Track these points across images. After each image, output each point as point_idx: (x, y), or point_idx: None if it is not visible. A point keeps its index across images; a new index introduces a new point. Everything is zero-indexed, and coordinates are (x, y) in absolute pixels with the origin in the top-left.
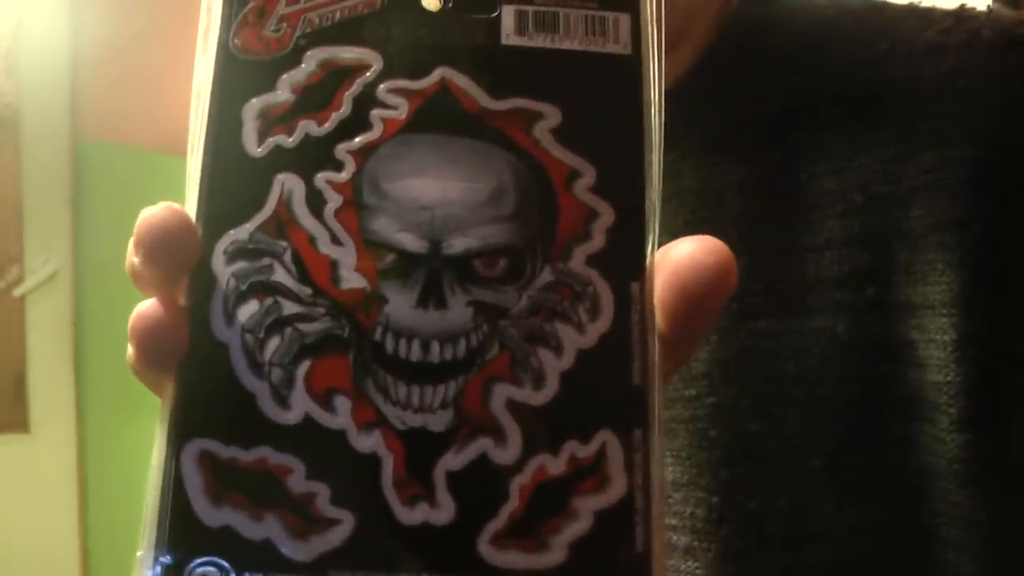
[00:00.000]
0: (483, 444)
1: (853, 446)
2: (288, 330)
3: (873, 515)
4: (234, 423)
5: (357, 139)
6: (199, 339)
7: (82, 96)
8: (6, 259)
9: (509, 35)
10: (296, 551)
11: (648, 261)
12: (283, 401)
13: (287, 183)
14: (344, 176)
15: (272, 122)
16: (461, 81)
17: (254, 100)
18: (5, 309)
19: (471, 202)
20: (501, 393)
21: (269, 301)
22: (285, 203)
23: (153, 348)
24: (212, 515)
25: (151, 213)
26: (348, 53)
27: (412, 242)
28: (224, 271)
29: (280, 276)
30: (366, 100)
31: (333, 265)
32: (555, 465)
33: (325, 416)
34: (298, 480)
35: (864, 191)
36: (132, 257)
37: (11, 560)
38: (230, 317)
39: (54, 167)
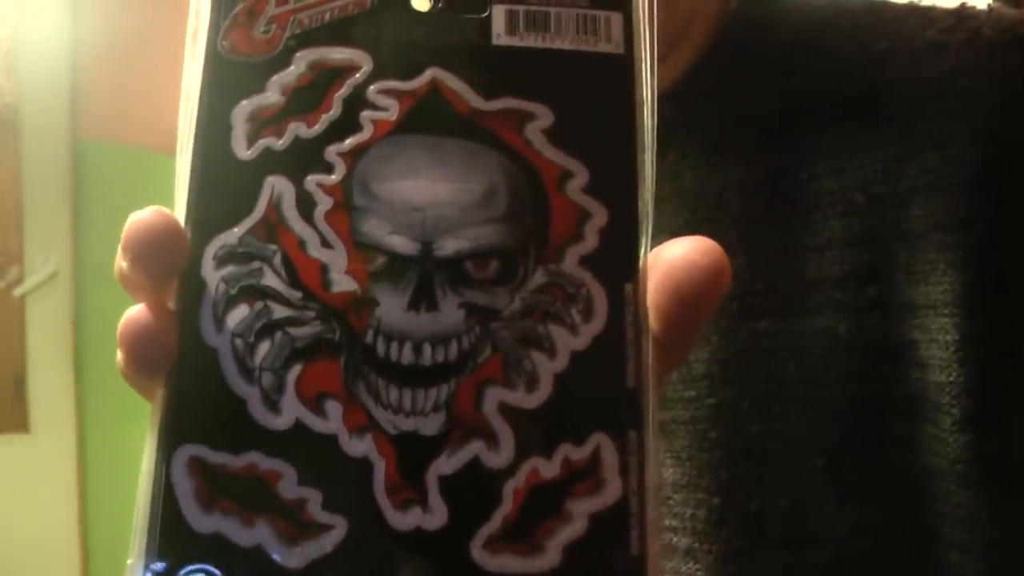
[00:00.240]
0: (476, 447)
1: (854, 446)
2: (278, 334)
3: (875, 516)
4: (224, 428)
5: (347, 141)
6: (189, 344)
7: (82, 96)
8: (6, 259)
9: (500, 35)
10: (288, 557)
11: (641, 262)
12: (274, 406)
13: (277, 186)
14: (334, 178)
15: (262, 124)
16: (452, 82)
17: (243, 102)
18: (5, 309)
19: (462, 203)
20: (494, 396)
21: (259, 305)
22: (275, 206)
23: (142, 354)
24: (203, 522)
25: (139, 217)
26: (338, 54)
27: (403, 244)
28: (214, 275)
29: (270, 280)
30: (356, 101)
31: (323, 268)
32: (549, 468)
33: (316, 421)
34: (289, 485)
35: (865, 191)
36: (120, 261)
37: (11, 560)
38: (220, 322)
39: (54, 167)
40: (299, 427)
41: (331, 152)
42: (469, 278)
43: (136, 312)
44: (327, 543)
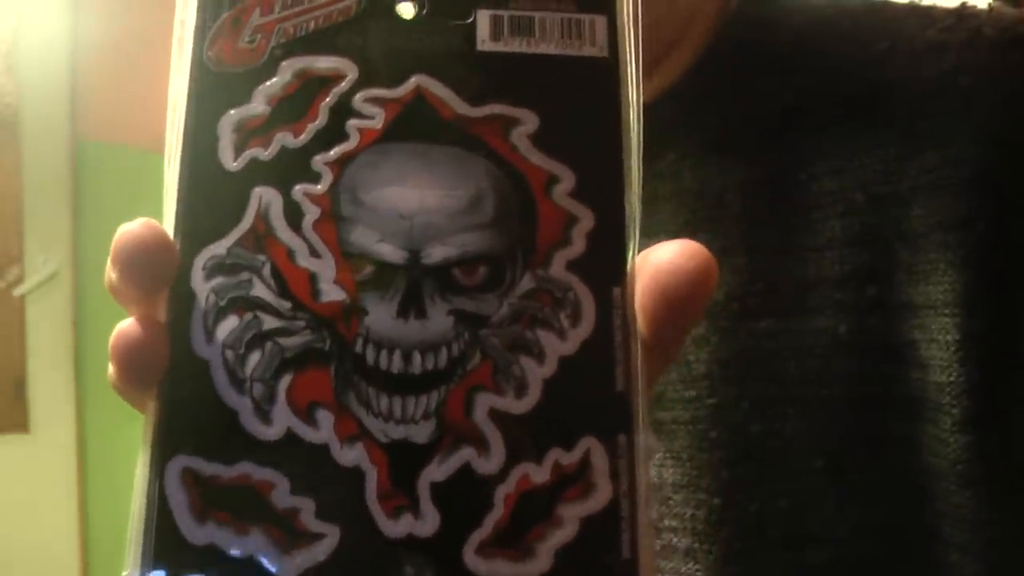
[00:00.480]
0: (466, 454)
1: (854, 447)
2: (268, 345)
3: (875, 516)
4: (217, 439)
5: (334, 150)
6: (180, 356)
7: (82, 96)
8: (6, 259)
9: (484, 41)
10: (281, 566)
11: (629, 266)
12: (265, 416)
13: (264, 196)
14: (321, 188)
15: (248, 135)
16: (437, 88)
17: (230, 113)
18: (5, 309)
19: (449, 210)
20: (484, 402)
21: (249, 316)
22: (263, 217)
23: (133, 366)
24: (196, 532)
25: (128, 229)
26: (323, 63)
27: (391, 252)
28: (203, 287)
29: (259, 291)
30: (342, 110)
31: (312, 278)
32: (539, 473)
33: (307, 430)
34: (282, 495)
35: (865, 191)
36: (110, 273)
37: (11, 560)
38: (210, 333)
39: (54, 167)
40: (291, 437)
41: (318, 161)
42: (457, 285)
43: (127, 325)
44: (320, 551)
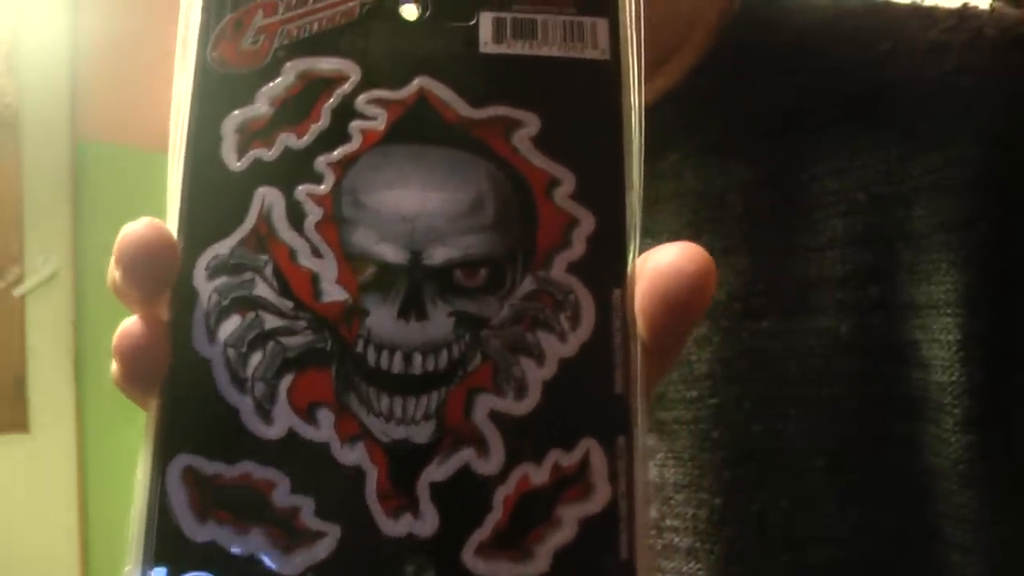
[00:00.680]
0: (466, 455)
1: (856, 447)
2: (270, 344)
3: (876, 516)
4: (218, 438)
5: (336, 151)
6: (182, 355)
7: (82, 96)
8: (6, 259)
9: (487, 43)
10: (282, 565)
11: (629, 268)
12: (266, 416)
13: (267, 197)
14: (324, 189)
15: (251, 136)
16: (439, 90)
17: (233, 114)
18: (5, 309)
19: (451, 212)
20: (484, 403)
21: (251, 316)
22: (265, 217)
23: (137, 365)
24: (198, 531)
25: (131, 229)
26: (326, 64)
27: (392, 253)
28: (206, 286)
29: (262, 290)
30: (345, 111)
31: (314, 278)
32: (539, 474)
33: (308, 430)
34: (282, 494)
35: (867, 191)
36: (113, 272)
37: (11, 560)
38: (212, 332)
39: (54, 167)
40: (292, 436)
41: (320, 163)
42: (458, 286)
43: (130, 324)
44: (320, 550)
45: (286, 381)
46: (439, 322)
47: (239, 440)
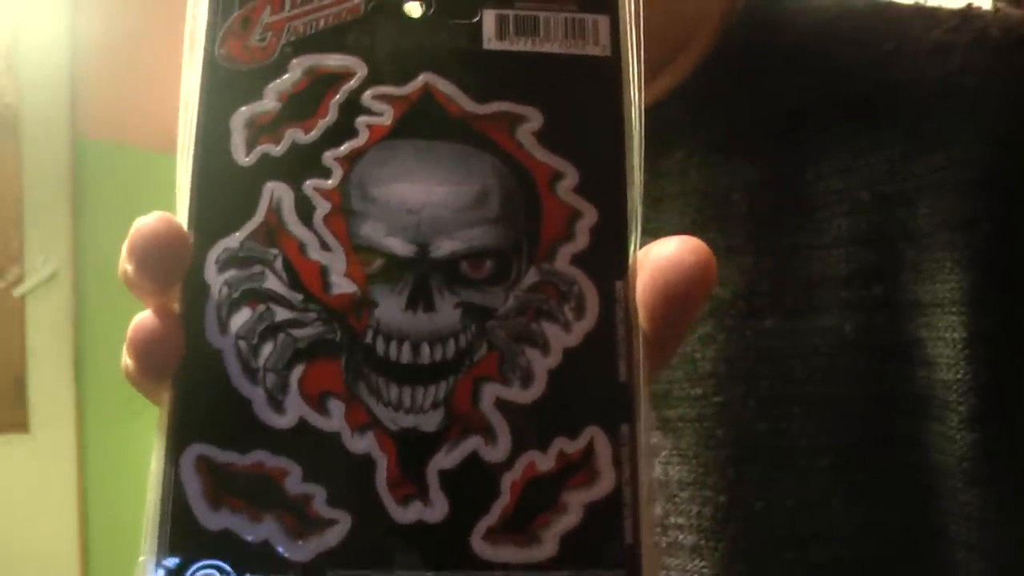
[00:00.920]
0: (474, 443)
1: (861, 445)
2: (281, 336)
3: (881, 514)
4: (230, 428)
5: (343, 146)
6: (194, 347)
7: (82, 96)
8: (6, 259)
9: (490, 39)
10: (294, 552)
11: (631, 260)
12: (278, 406)
13: (276, 191)
14: (332, 183)
15: (260, 131)
16: (444, 86)
17: (242, 109)
18: (5, 309)
19: (456, 205)
20: (490, 392)
21: (261, 308)
22: (275, 211)
23: (150, 358)
24: (211, 519)
25: (144, 223)
26: (333, 60)
27: (400, 246)
28: (217, 279)
29: (272, 283)
30: (351, 107)
31: (323, 271)
32: (544, 461)
33: (319, 419)
34: (294, 482)
35: (871, 190)
36: (125, 264)
37: (11, 560)
38: (224, 324)
39: (54, 167)
40: (303, 425)
41: (328, 157)
42: (464, 278)
43: (143, 317)
44: (332, 537)
45: (297, 371)
46: (446, 313)
47: (251, 430)
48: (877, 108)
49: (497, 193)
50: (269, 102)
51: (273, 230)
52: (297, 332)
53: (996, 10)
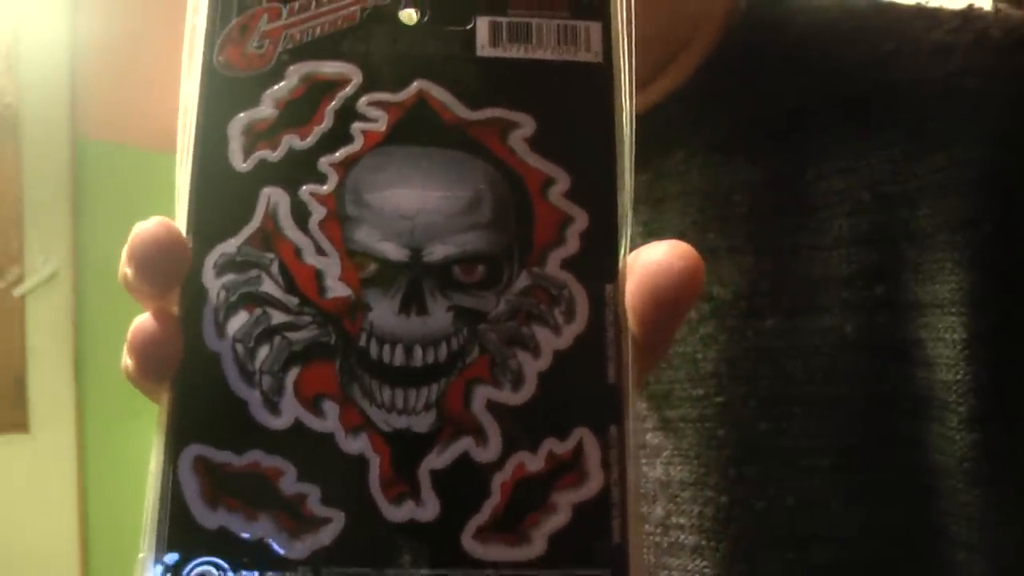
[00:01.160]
0: (465, 443)
1: (862, 445)
2: (277, 339)
3: (882, 514)
4: (227, 429)
5: (339, 152)
6: (192, 349)
7: (82, 95)
8: (6, 259)
9: (484, 46)
10: (289, 549)
11: (621, 264)
12: (274, 407)
13: (272, 196)
14: (327, 188)
15: (257, 137)
16: (438, 93)
17: (239, 116)
18: (5, 309)
19: (450, 211)
20: (482, 394)
21: (258, 311)
22: (271, 216)
23: (150, 360)
24: (208, 517)
25: (144, 228)
26: (329, 68)
27: (393, 251)
28: (214, 283)
29: (268, 287)
30: (347, 113)
31: (318, 275)
32: (534, 462)
33: (314, 420)
34: (289, 482)
35: (872, 190)
36: (125, 268)
37: (11, 560)
38: (221, 328)
39: (54, 167)
40: (298, 427)
41: (324, 163)
42: (457, 282)
43: (143, 320)
44: (326, 535)
45: (292, 374)
46: (438, 316)
47: (248, 431)
48: (878, 108)
49: (489, 199)
50: (266, 108)
51: (270, 235)
52: (293, 335)
53: (997, 11)
